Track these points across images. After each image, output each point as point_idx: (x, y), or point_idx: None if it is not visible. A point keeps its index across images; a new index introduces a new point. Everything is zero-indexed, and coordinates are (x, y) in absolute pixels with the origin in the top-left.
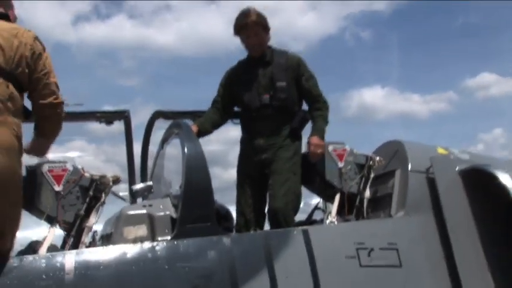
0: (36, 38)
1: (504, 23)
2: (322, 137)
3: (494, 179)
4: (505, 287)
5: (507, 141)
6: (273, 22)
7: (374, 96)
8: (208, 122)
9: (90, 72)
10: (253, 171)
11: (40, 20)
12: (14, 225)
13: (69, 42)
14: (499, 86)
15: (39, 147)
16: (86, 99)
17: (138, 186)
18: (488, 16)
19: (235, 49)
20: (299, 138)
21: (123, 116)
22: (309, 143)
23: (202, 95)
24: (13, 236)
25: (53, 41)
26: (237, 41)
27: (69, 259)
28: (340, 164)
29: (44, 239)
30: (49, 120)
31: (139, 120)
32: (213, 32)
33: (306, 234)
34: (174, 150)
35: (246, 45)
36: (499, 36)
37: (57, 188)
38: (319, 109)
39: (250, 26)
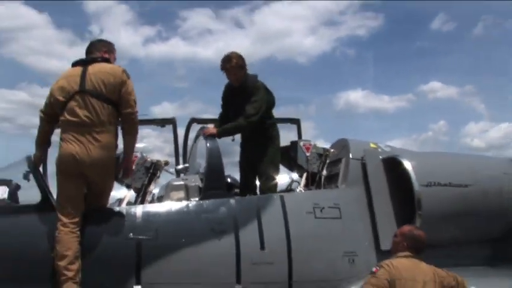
0: (123, 71)
1: (448, 46)
2: (219, 131)
3: (401, 164)
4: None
5: (447, 129)
6: (285, 42)
7: (356, 96)
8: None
9: (154, 78)
10: (245, 161)
11: (121, 41)
12: (110, 190)
13: (140, 57)
14: (443, 91)
15: (128, 144)
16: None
17: (180, 166)
18: (436, 40)
19: (256, 61)
20: (272, 140)
21: (172, 121)
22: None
23: None
24: (108, 196)
25: (129, 56)
26: (259, 54)
27: (139, 210)
28: (307, 154)
29: (124, 197)
30: (130, 123)
31: (188, 111)
32: (241, 49)
33: (282, 198)
34: (202, 144)
35: (228, 80)
36: (444, 55)
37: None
38: (239, 119)
39: (230, 70)
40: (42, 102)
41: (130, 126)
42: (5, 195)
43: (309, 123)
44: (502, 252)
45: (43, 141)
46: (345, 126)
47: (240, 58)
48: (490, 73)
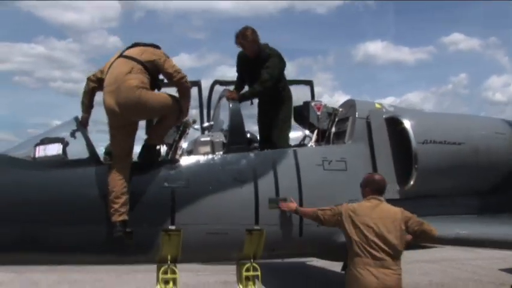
0: (163, 53)
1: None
2: (239, 97)
3: (401, 123)
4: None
5: (468, 82)
6: None
7: (376, 48)
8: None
9: (171, 29)
10: (263, 120)
11: None
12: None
13: (157, 8)
14: (465, 42)
15: (184, 104)
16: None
17: (205, 124)
18: None
19: (275, 11)
20: (284, 101)
21: (198, 83)
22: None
23: None
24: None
25: (146, 7)
26: (277, 4)
27: (167, 162)
28: (318, 113)
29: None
30: (182, 88)
31: (205, 63)
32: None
33: (295, 152)
34: (225, 104)
35: (244, 52)
36: (467, 5)
37: None
38: (255, 85)
39: (246, 45)
40: (59, 55)
41: (184, 89)
42: (60, 151)
43: (328, 75)
44: (489, 204)
45: (89, 104)
46: (363, 78)
47: (254, 33)
48: None
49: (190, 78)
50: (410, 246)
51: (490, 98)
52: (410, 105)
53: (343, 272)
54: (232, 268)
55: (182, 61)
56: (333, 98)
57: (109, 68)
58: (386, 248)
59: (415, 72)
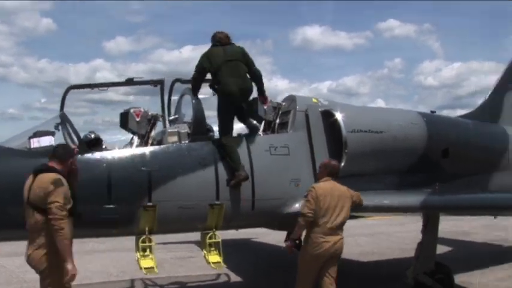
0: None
1: None
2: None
3: (333, 115)
4: None
5: (403, 66)
6: None
7: (314, 33)
8: None
9: (106, 12)
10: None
11: None
12: None
13: None
14: (401, 28)
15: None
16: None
17: (171, 117)
18: None
19: None
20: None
21: (160, 81)
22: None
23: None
24: None
25: None
26: None
27: (147, 150)
28: (265, 107)
29: (133, 141)
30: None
31: (143, 46)
32: None
33: (247, 140)
34: (188, 99)
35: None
36: None
37: (137, 119)
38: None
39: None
40: None
41: None
42: (52, 142)
43: (267, 59)
44: (406, 180)
45: None
46: (302, 62)
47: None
48: (449, 12)
49: (129, 64)
50: None
51: (423, 82)
52: (346, 89)
53: (285, 243)
54: (185, 246)
55: (119, 45)
56: (271, 82)
57: None
58: (340, 220)
59: (352, 57)
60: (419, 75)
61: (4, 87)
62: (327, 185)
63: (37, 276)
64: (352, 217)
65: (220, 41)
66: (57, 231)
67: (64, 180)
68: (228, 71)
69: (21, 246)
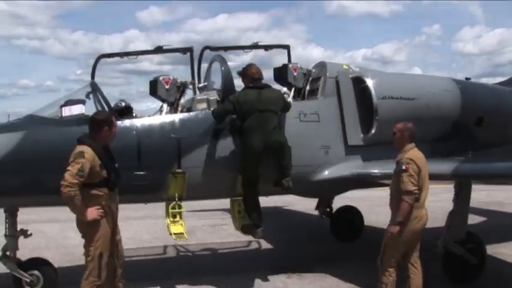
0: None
1: None
2: None
3: (364, 82)
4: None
5: (442, 33)
6: None
7: None
8: None
9: None
10: None
11: None
12: None
13: None
14: None
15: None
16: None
17: (201, 85)
18: None
19: None
20: None
21: (190, 49)
22: None
23: None
24: None
25: None
26: None
27: (176, 117)
28: (295, 73)
29: (162, 108)
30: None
31: (176, 16)
32: None
33: None
34: (217, 67)
35: None
36: None
37: (166, 86)
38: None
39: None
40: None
41: None
42: (83, 110)
43: (302, 27)
44: (439, 148)
45: None
46: (337, 30)
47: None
48: None
49: (162, 32)
50: None
51: (461, 49)
52: (382, 57)
53: (316, 210)
54: (218, 213)
55: (152, 14)
56: (305, 50)
57: None
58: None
59: (389, 24)
60: (458, 42)
61: (41, 60)
62: (419, 154)
63: (74, 242)
64: (381, 185)
65: (253, 77)
66: (63, 197)
67: (89, 154)
68: (255, 124)
69: (61, 212)
